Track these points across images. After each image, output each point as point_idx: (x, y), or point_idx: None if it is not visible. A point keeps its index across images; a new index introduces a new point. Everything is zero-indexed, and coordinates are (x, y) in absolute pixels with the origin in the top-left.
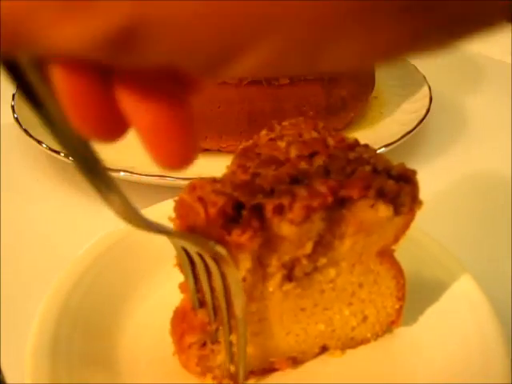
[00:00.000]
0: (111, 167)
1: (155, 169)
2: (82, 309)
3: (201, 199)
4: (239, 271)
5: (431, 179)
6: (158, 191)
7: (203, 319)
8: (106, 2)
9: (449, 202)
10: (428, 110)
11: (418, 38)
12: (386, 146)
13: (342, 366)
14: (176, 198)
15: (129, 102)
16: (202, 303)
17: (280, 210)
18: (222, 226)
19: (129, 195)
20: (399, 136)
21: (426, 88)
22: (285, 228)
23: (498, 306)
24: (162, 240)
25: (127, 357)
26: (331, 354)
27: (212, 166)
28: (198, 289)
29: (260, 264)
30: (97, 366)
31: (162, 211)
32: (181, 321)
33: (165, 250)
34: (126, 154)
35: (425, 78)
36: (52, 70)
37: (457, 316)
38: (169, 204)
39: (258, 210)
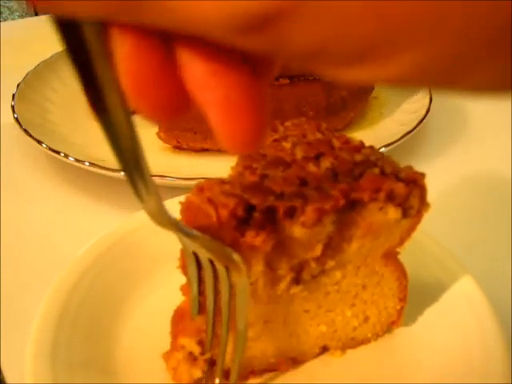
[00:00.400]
0: (111, 167)
1: (155, 169)
2: (82, 309)
3: (210, 201)
4: (251, 274)
5: (431, 179)
6: (158, 191)
7: (200, 326)
8: None
9: (449, 202)
10: (428, 110)
11: None
12: (386, 145)
13: (342, 366)
14: (182, 200)
15: (197, 75)
16: (202, 309)
17: (292, 213)
18: (235, 227)
19: (129, 195)
20: (399, 136)
21: (425, 88)
22: (296, 231)
23: (498, 306)
24: (162, 240)
25: (127, 357)
26: (331, 354)
27: (212, 166)
28: (200, 293)
29: (270, 267)
30: (97, 367)
31: None
32: (179, 321)
33: (165, 250)
34: None
35: None
36: (113, 37)
37: (457, 316)
38: (168, 204)
39: (270, 213)
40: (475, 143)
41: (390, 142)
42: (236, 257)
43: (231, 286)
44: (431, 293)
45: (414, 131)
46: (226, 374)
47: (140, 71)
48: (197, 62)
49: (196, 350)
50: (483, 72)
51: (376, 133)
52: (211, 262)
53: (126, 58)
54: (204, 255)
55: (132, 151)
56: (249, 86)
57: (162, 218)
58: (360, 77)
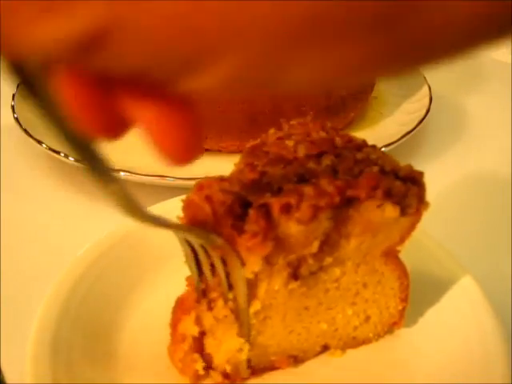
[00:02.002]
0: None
1: (155, 169)
2: (82, 309)
3: (208, 198)
4: (246, 270)
5: (431, 179)
6: (158, 191)
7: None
8: (82, 3)
9: (449, 202)
10: (428, 110)
11: (383, 58)
12: (386, 146)
13: (343, 366)
14: (184, 198)
15: (130, 102)
16: (204, 293)
17: (287, 209)
18: (232, 226)
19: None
20: (399, 136)
21: (426, 88)
22: (292, 227)
23: (498, 306)
24: (163, 240)
25: (127, 357)
26: (332, 353)
27: (212, 165)
28: (202, 281)
29: (267, 262)
30: (97, 367)
31: (164, 211)
32: (179, 308)
33: (165, 250)
34: (126, 154)
35: (425, 78)
36: (54, 73)
37: (457, 316)
38: (170, 203)
39: (266, 209)
40: (475, 143)
41: (389, 142)
42: (220, 241)
43: (226, 268)
44: (431, 293)
45: (414, 131)
46: (225, 375)
47: (78, 102)
48: (127, 90)
49: (195, 330)
50: (303, 65)
51: (376, 133)
52: (203, 247)
53: (64, 90)
54: (195, 242)
55: (82, 143)
56: (179, 104)
57: (134, 211)
58: (193, 87)
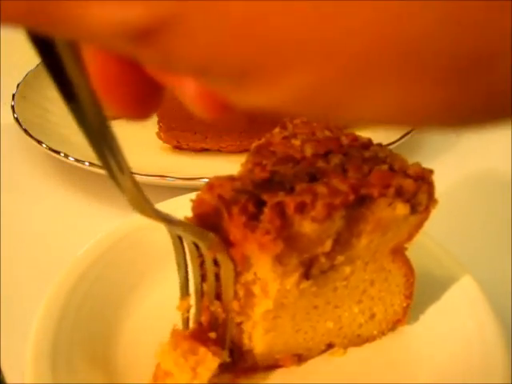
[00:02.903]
0: None
1: (155, 169)
2: (82, 309)
3: (221, 197)
4: (252, 271)
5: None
6: (158, 191)
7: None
8: None
9: (449, 202)
10: None
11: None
12: (388, 144)
13: (346, 364)
14: (193, 198)
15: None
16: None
17: (302, 208)
18: (245, 224)
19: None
20: (399, 136)
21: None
22: (306, 226)
23: (498, 306)
24: (162, 240)
25: (127, 357)
26: (333, 353)
27: (212, 165)
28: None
29: (279, 262)
30: (97, 367)
31: (168, 209)
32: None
33: (165, 250)
34: (126, 155)
35: None
36: (84, 47)
37: (457, 316)
38: (171, 203)
39: (280, 208)
40: (475, 143)
41: (390, 141)
42: (215, 238)
43: (216, 265)
44: (431, 293)
45: (414, 131)
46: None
47: (105, 72)
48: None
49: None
50: (366, 99)
51: (376, 133)
52: (196, 245)
53: (91, 61)
54: (188, 239)
55: (102, 133)
56: None
57: (141, 203)
58: (250, 102)
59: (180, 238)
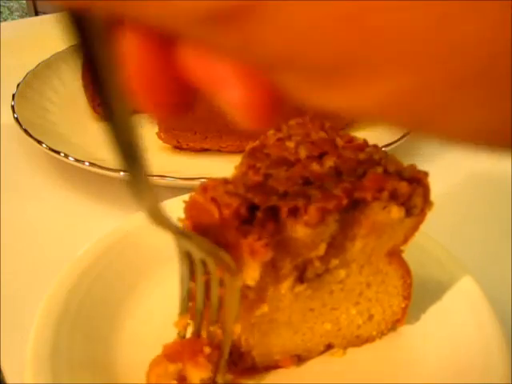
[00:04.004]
0: (111, 167)
1: (155, 169)
2: (82, 309)
3: (214, 200)
4: (248, 278)
5: (431, 179)
6: (158, 191)
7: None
8: None
9: (449, 202)
10: None
11: None
12: (385, 146)
13: (346, 364)
14: (186, 199)
15: (200, 65)
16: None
17: (295, 212)
18: (238, 228)
19: (129, 195)
20: (399, 136)
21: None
22: (299, 230)
23: (498, 306)
24: (162, 240)
25: (127, 357)
26: (332, 353)
27: (212, 166)
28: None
29: (273, 266)
30: (97, 367)
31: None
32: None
33: (165, 250)
34: None
35: None
36: (118, 34)
37: (457, 316)
38: (171, 203)
39: (273, 212)
40: None
41: (389, 142)
42: (228, 258)
43: (222, 286)
44: (431, 293)
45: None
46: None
47: (143, 69)
48: (197, 53)
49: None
50: (457, 115)
51: (376, 133)
52: (204, 263)
53: (130, 58)
54: (197, 255)
55: (133, 150)
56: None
57: (160, 218)
58: (333, 102)
59: (188, 254)
